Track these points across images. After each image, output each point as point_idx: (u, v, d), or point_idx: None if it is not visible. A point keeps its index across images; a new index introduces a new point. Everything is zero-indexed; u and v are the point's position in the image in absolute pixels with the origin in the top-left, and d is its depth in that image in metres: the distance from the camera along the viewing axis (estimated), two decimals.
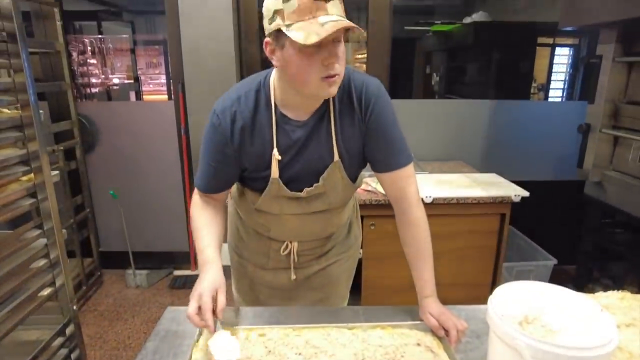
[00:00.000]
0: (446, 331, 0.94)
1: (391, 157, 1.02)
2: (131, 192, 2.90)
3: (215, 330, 0.86)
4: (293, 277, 1.21)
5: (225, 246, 1.30)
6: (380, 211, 2.00)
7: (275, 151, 0.98)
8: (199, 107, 2.60)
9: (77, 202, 2.67)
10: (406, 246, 1.06)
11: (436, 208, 2.03)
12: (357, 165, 1.07)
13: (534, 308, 0.83)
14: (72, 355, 1.21)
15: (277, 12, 0.81)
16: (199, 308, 0.86)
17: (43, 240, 1.20)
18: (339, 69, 0.86)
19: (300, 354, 0.91)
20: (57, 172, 1.37)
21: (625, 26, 2.01)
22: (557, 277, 2.38)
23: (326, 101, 0.98)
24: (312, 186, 1.03)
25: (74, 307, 1.16)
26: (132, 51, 3.48)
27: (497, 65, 3.38)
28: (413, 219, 1.04)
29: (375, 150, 1.02)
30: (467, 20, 3.47)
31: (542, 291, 0.83)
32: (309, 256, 1.21)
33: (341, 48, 0.86)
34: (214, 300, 0.87)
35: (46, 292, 1.20)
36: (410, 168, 1.03)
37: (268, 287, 1.26)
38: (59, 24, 2.53)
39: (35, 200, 1.17)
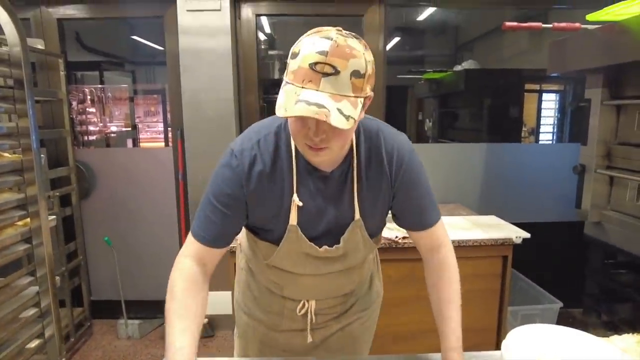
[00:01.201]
0: None
1: (423, 217, 0.99)
2: (126, 239, 2.85)
3: None
4: (310, 339, 1.11)
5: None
6: (383, 255, 1.96)
7: (295, 197, 0.91)
8: (197, 153, 2.62)
9: (70, 249, 2.61)
10: (436, 291, 1.01)
11: None
12: (377, 224, 1.03)
13: (550, 353, 0.80)
14: None
15: (288, 61, 0.79)
16: None
17: (35, 288, 1.16)
18: (324, 143, 0.80)
19: None
20: (54, 217, 1.34)
21: (610, 71, 2.10)
22: (563, 321, 2.32)
23: (350, 156, 0.93)
24: (331, 246, 0.97)
25: None
26: (131, 99, 3.56)
27: (488, 110, 3.49)
28: (449, 266, 1.01)
29: (406, 212, 1.00)
30: (458, 68, 3.62)
31: (558, 335, 0.80)
32: (328, 315, 1.12)
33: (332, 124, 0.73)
34: None
35: (34, 344, 1.14)
36: (441, 219, 1.02)
37: (281, 350, 1.15)
38: (62, 74, 2.60)
39: (30, 245, 1.14)
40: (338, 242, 0.97)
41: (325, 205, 0.95)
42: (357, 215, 0.96)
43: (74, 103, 3.09)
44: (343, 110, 0.74)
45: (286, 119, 0.93)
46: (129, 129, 3.67)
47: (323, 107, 0.72)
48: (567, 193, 2.70)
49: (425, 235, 1.01)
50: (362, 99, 0.78)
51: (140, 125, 3.94)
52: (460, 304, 0.99)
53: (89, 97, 3.29)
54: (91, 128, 3.32)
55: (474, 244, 2.00)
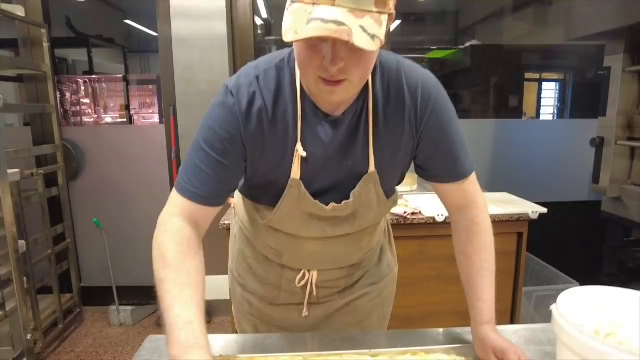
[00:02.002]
0: None
1: (455, 166, 0.84)
2: (117, 222, 2.71)
3: None
4: (305, 312, 0.98)
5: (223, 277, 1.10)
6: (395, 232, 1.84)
7: (299, 145, 0.77)
8: (191, 130, 2.46)
9: (57, 231, 2.46)
10: (465, 257, 0.87)
11: (448, 228, 1.86)
12: (395, 179, 0.89)
13: (609, 320, 0.66)
14: None
15: None
16: None
17: None
18: (342, 74, 0.65)
19: None
20: (16, 170, 1.18)
21: (632, 35, 1.95)
22: None
23: (365, 95, 0.78)
24: (340, 202, 0.83)
25: (29, 337, 0.95)
26: (126, 82, 3.38)
27: (495, 87, 3.36)
28: (483, 228, 0.87)
29: (434, 161, 0.85)
30: (467, 44, 3.47)
31: (620, 299, 0.67)
32: (331, 289, 0.98)
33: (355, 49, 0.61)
34: None
35: None
36: (474, 173, 0.88)
37: (278, 327, 1.02)
38: (46, 45, 2.43)
39: None
40: (347, 198, 0.83)
41: (334, 155, 0.80)
42: (372, 167, 0.81)
43: (68, 94, 2.94)
44: (367, 28, 0.59)
45: (290, 52, 0.78)
46: (124, 120, 3.52)
47: (343, 24, 0.58)
48: (580, 171, 2.58)
49: (455, 190, 0.87)
50: (386, 16, 0.63)
51: (135, 117, 3.79)
52: (494, 271, 0.85)
53: (82, 87, 3.14)
54: (86, 119, 3.18)
55: None
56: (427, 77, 0.81)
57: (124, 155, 2.69)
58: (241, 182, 0.93)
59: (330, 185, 0.82)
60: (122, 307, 2.59)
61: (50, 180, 2.43)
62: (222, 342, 0.89)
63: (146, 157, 2.67)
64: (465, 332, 0.92)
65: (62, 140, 2.57)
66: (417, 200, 2.01)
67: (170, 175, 2.60)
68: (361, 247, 0.95)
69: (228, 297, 1.92)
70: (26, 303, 1.02)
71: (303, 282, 0.95)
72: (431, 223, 1.84)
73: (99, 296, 2.73)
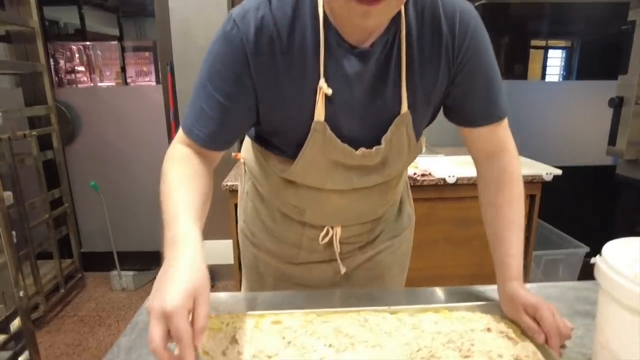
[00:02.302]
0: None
1: (490, 106, 0.76)
2: (115, 186, 2.65)
3: None
4: (343, 270, 0.92)
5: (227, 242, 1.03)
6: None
7: (322, 82, 0.67)
8: (190, 90, 2.36)
9: (54, 195, 2.40)
10: (493, 210, 0.79)
11: (459, 190, 1.80)
12: (427, 119, 0.80)
13: None
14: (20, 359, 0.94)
15: None
16: (169, 333, 0.49)
17: None
18: None
19: (330, 345, 0.66)
20: None
21: None
22: (589, 269, 2.16)
23: (397, 24, 0.68)
24: (371, 148, 0.74)
25: (21, 294, 0.90)
26: (122, 49, 3.22)
27: (508, 46, 3.21)
28: (514, 177, 0.79)
29: (468, 100, 0.76)
30: (476, 3, 3.30)
31: None
32: (353, 245, 0.92)
33: None
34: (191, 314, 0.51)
35: None
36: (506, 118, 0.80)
37: (297, 285, 0.96)
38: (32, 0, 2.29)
39: None
40: (378, 143, 0.75)
41: (361, 93, 0.71)
42: (405, 108, 0.72)
43: (62, 61, 2.81)
44: None
45: None
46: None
47: None
48: (594, 135, 2.49)
49: (487, 135, 0.79)
50: None
51: (132, 86, 3.68)
52: (523, 225, 0.78)
53: (76, 55, 3.00)
54: (81, 87, 3.06)
55: None
56: (464, 3, 0.71)
57: (121, 117, 2.59)
58: (252, 132, 0.85)
59: (357, 130, 0.74)
60: (123, 272, 2.56)
61: (44, 143, 2.34)
62: (230, 299, 0.83)
63: (144, 119, 2.57)
64: (488, 290, 0.87)
65: (55, 102, 2.47)
66: (426, 162, 1.93)
67: (169, 137, 2.51)
68: (387, 200, 0.88)
69: (232, 262, 1.86)
70: (15, 259, 0.96)
71: (326, 239, 0.89)
72: (441, 185, 1.77)
73: (100, 262, 2.70)
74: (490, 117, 0.77)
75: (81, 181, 2.63)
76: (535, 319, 0.68)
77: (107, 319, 2.29)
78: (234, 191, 1.64)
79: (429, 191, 1.80)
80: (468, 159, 1.58)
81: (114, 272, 2.57)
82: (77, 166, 2.64)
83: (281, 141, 0.77)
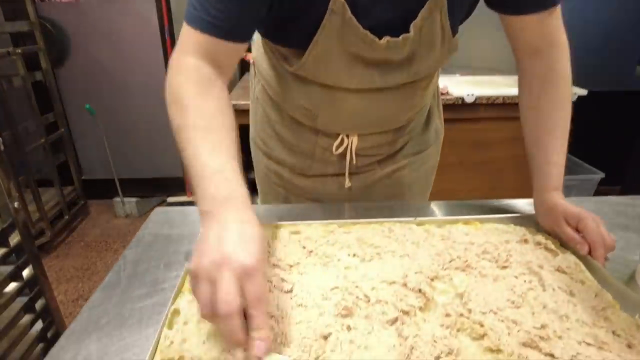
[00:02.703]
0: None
1: None
2: (112, 111, 2.53)
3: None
4: (348, 184, 0.85)
5: None
6: None
7: None
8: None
9: (48, 119, 2.29)
10: (535, 112, 0.71)
11: (477, 111, 1.71)
12: (465, 8, 0.68)
13: None
14: (24, 274, 0.90)
15: None
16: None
17: None
18: None
19: (355, 255, 0.61)
20: None
21: None
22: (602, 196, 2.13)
23: None
24: (397, 37, 0.64)
25: (16, 205, 0.85)
26: None
27: None
28: (563, 75, 0.69)
29: None
30: None
31: None
32: (372, 157, 0.85)
33: None
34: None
35: None
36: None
37: (310, 200, 0.90)
38: None
39: None
40: (407, 31, 0.64)
41: None
42: None
43: None
44: None
45: None
46: None
47: None
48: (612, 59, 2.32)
49: (535, 25, 0.68)
50: None
51: None
52: (568, 130, 0.70)
53: None
54: None
55: None
56: None
57: (112, 36, 2.40)
58: (262, 27, 0.73)
59: (381, 15, 0.62)
60: (126, 199, 2.53)
61: (32, 64, 2.19)
62: None
63: (136, 36, 2.38)
64: (519, 203, 0.81)
65: (39, 18, 2.27)
66: (442, 81, 1.81)
67: (165, 56, 2.35)
68: (412, 105, 0.79)
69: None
70: (4, 169, 0.90)
71: (341, 150, 0.81)
72: (459, 105, 1.67)
73: (102, 189, 2.66)
74: (540, 2, 0.65)
75: (76, 105, 2.50)
76: (577, 231, 0.62)
77: (113, 244, 2.30)
78: (237, 111, 1.54)
79: (445, 111, 1.69)
80: (486, 79, 1.45)
81: (117, 199, 2.54)
82: (70, 89, 2.50)
83: (293, 29, 0.66)
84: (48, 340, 1.01)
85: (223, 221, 0.45)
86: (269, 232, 0.66)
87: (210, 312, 0.40)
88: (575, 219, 0.63)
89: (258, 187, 0.97)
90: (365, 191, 0.88)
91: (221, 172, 0.50)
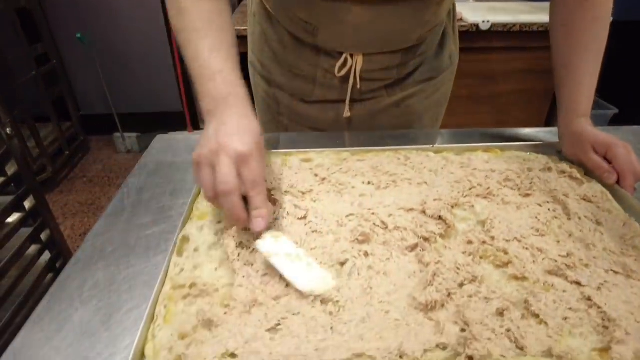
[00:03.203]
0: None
1: None
2: (107, 42, 2.39)
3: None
4: (347, 113, 0.79)
5: None
6: None
7: None
8: None
9: (37, 50, 2.17)
10: (569, 31, 0.64)
11: (491, 39, 1.60)
12: None
13: None
14: (26, 205, 0.88)
15: None
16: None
17: None
18: None
19: (369, 182, 0.58)
20: None
21: None
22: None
23: None
24: None
25: (8, 132, 0.81)
26: None
27: None
28: None
29: None
30: None
31: None
32: (379, 82, 0.78)
33: None
34: None
35: None
36: None
37: (312, 129, 0.85)
38: None
39: None
40: None
41: None
42: None
43: None
44: None
45: None
46: None
47: None
48: None
49: None
50: None
51: None
52: (603, 51, 0.64)
53: None
54: None
55: (539, 29, 1.58)
56: None
57: None
58: None
59: None
60: (126, 134, 2.48)
61: None
62: None
63: None
64: (540, 132, 0.77)
65: None
66: (458, 6, 1.68)
67: None
68: (424, 21, 0.71)
69: None
70: None
71: (344, 72, 0.74)
72: (473, 32, 1.56)
73: (101, 125, 2.59)
74: None
75: (66, 35, 2.36)
76: (605, 159, 0.59)
77: (116, 179, 2.28)
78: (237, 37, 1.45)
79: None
80: (504, 5, 1.33)
81: (117, 135, 2.49)
82: (59, 16, 2.34)
83: None
84: (57, 270, 1.02)
85: (221, 117, 0.49)
86: (279, 160, 0.62)
87: (213, 194, 0.45)
88: (604, 147, 0.59)
89: (258, 118, 0.92)
90: (370, 121, 0.82)
91: (220, 72, 0.51)
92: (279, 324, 0.39)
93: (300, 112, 0.82)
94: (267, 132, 0.91)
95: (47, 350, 0.39)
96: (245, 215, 0.45)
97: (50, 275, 0.98)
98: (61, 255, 1.03)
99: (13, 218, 0.87)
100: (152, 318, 0.41)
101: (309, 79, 0.78)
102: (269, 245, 0.45)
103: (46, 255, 0.97)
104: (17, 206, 0.87)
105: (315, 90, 0.79)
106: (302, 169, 0.60)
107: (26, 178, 0.84)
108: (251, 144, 0.46)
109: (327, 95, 0.79)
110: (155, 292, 0.43)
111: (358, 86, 0.76)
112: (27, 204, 0.88)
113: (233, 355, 0.36)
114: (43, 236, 0.96)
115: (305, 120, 0.83)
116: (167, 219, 0.56)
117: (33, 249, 0.93)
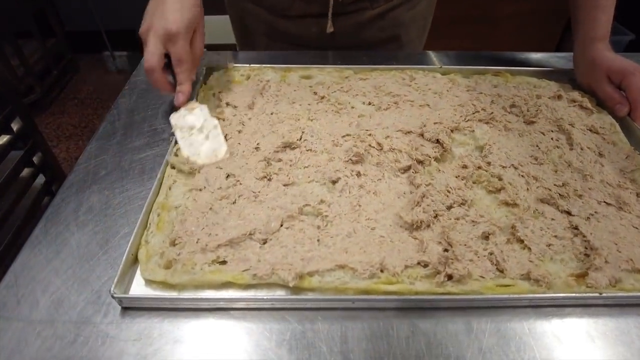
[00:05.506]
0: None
1: None
2: None
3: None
4: (330, 28, 0.73)
5: None
6: None
7: None
8: None
9: None
10: None
11: None
12: None
13: None
14: (14, 127, 0.85)
15: None
16: (167, 57, 0.52)
17: None
18: None
19: (370, 103, 0.55)
20: None
21: None
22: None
23: None
24: None
25: None
26: None
27: None
28: None
29: None
30: None
31: None
32: None
33: None
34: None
35: None
36: None
37: (294, 45, 0.79)
38: None
39: None
40: None
41: None
42: None
43: None
44: None
45: None
46: None
47: None
48: None
49: None
50: None
51: None
52: None
53: None
54: None
55: None
56: None
57: None
58: None
59: None
60: (117, 53, 2.37)
61: None
62: (244, 56, 0.69)
63: None
64: (553, 57, 0.73)
65: None
66: None
67: None
68: None
69: (234, 42, 1.65)
70: None
71: None
72: None
73: (89, 42, 2.46)
74: None
75: None
76: (619, 88, 0.56)
77: (108, 100, 2.21)
78: None
79: None
80: None
81: (107, 53, 2.38)
82: None
83: None
84: (53, 193, 1.01)
85: None
86: (278, 76, 0.59)
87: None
88: (619, 75, 0.56)
89: (236, 38, 0.86)
90: (355, 35, 0.76)
91: None
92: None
93: (279, 27, 0.76)
94: (244, 47, 0.86)
95: (47, 273, 0.39)
96: (169, 87, 0.51)
97: (47, 199, 0.97)
98: (56, 178, 1.01)
99: (2, 141, 0.83)
100: (145, 225, 0.40)
101: None
102: (179, 118, 0.51)
103: (41, 179, 0.95)
104: (5, 128, 0.83)
105: (294, 3, 0.72)
106: (301, 85, 0.57)
107: (11, 99, 0.80)
108: (181, 23, 0.49)
109: (307, 8, 0.73)
110: (149, 201, 0.42)
111: None
112: (15, 126, 0.84)
113: (223, 262, 0.37)
114: (35, 159, 0.94)
115: (285, 37, 0.77)
116: (161, 142, 0.54)
117: (26, 172, 0.91)
